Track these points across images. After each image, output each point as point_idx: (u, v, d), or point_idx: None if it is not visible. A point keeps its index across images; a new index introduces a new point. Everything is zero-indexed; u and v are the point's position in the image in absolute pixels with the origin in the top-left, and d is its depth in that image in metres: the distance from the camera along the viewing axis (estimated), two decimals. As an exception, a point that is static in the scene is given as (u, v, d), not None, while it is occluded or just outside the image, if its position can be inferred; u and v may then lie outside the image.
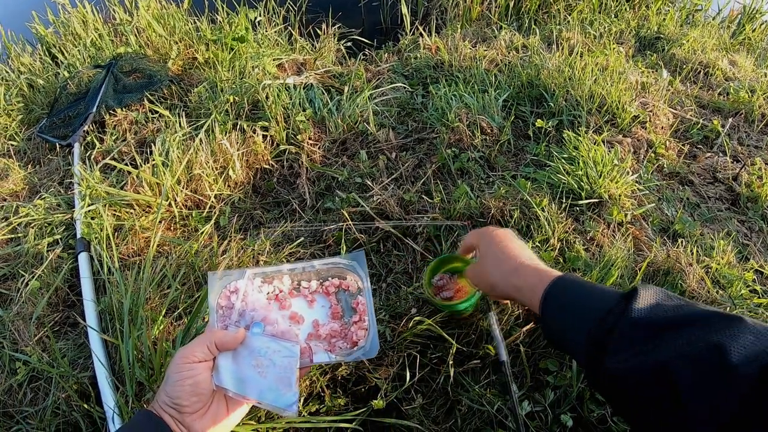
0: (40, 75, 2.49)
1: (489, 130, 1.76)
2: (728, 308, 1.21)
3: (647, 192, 1.56)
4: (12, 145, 2.10)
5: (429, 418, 1.03)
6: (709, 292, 1.25)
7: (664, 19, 2.74)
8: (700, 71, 2.28)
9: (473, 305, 1.14)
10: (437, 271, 1.19)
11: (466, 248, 1.02)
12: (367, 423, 1.03)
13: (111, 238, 1.41)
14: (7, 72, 2.52)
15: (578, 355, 0.63)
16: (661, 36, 2.57)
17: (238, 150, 1.70)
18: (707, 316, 0.52)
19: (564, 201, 1.47)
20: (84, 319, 1.28)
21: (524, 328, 1.13)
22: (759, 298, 1.24)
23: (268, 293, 0.74)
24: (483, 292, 0.95)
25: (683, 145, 1.80)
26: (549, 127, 1.79)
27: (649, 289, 0.59)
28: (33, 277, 1.42)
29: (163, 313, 1.18)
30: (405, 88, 2.09)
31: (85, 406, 1.09)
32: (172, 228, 1.55)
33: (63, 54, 2.63)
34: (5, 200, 1.80)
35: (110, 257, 1.39)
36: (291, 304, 0.78)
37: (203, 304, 1.09)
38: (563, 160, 1.59)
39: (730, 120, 1.92)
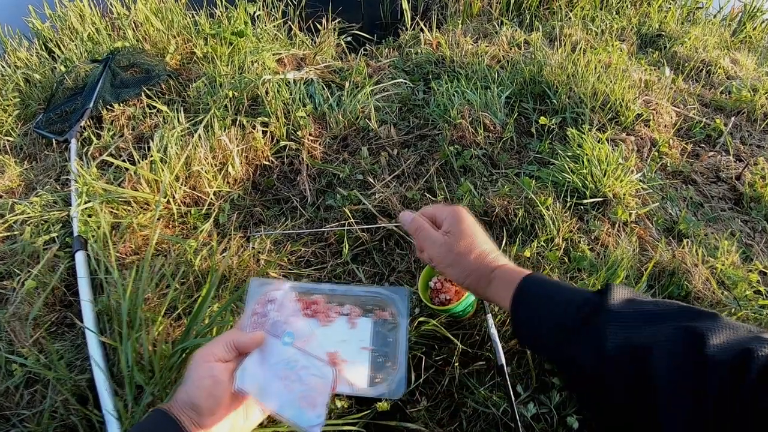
0: (37, 70, 2.44)
1: (492, 127, 1.74)
2: (733, 310, 1.20)
3: (651, 191, 1.54)
4: (8, 140, 2.07)
5: (434, 420, 1.02)
6: (714, 293, 1.24)
7: (666, 17, 2.72)
8: (702, 69, 2.26)
9: (472, 305, 1.12)
10: (434, 274, 1.17)
11: (429, 216, 0.82)
12: (371, 426, 1.01)
13: (108, 236, 1.39)
14: (3, 67, 2.48)
15: (548, 342, 0.63)
16: (663, 33, 2.55)
17: (237, 146, 1.67)
18: (686, 310, 0.55)
19: (568, 200, 1.46)
20: (81, 320, 1.25)
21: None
22: (764, 299, 1.23)
23: (303, 309, 0.72)
24: (443, 272, 0.78)
25: (686, 143, 1.79)
26: (552, 124, 1.77)
27: (621, 287, 0.61)
28: (29, 276, 1.39)
29: (162, 313, 1.16)
30: (406, 83, 2.06)
31: (84, 410, 1.07)
32: (170, 226, 1.53)
33: (60, 48, 2.58)
34: (1, 197, 1.77)
35: (107, 256, 1.37)
36: (334, 321, 0.75)
37: (203, 304, 1.07)
38: (567, 158, 1.57)
39: (733, 119, 1.90)
